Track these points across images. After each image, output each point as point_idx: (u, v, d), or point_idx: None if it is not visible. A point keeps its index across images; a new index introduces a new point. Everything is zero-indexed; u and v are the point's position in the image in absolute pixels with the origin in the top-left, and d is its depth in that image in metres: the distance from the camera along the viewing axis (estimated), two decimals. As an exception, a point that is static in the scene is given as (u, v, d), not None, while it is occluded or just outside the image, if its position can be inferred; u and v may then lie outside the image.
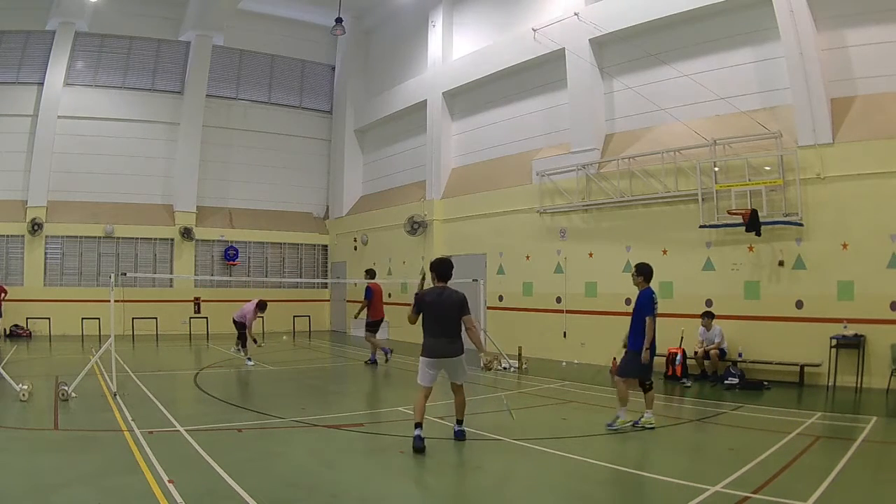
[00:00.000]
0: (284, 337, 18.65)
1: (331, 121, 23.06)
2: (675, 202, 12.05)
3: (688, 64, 12.28)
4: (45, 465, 5.53)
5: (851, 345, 9.60)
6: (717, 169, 11.37)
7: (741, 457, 5.83)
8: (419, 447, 6.01)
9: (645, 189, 12.49)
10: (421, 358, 6.42)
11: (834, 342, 9.71)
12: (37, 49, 18.64)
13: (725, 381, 10.25)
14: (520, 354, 12.32)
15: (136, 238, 19.59)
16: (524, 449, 6.46)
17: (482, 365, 6.58)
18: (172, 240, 19.95)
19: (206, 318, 18.66)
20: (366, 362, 12.96)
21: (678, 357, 11.01)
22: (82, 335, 16.62)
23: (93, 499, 4.66)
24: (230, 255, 20.60)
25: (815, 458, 6.00)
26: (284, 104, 22.54)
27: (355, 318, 13.39)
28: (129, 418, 7.26)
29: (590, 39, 13.52)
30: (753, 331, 10.78)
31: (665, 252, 12.16)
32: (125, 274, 15.19)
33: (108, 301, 9.04)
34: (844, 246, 9.96)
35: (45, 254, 18.62)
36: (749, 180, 10.92)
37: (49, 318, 17.27)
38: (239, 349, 13.17)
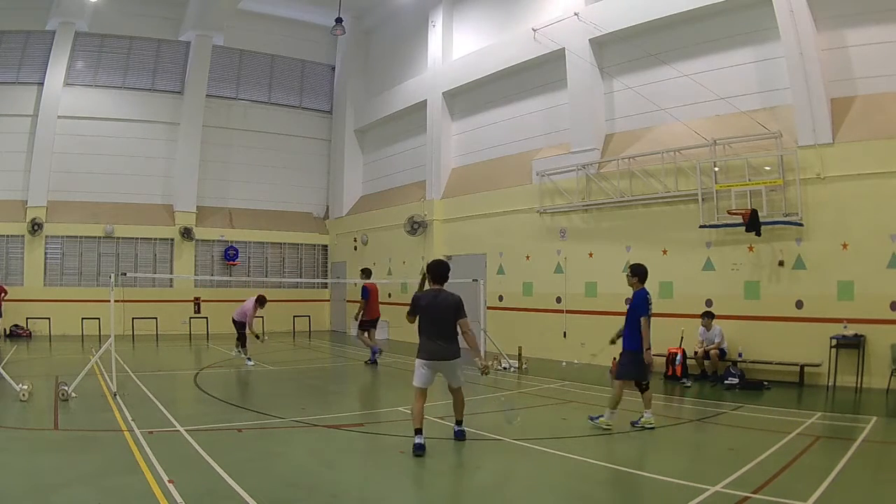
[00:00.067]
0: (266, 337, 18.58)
1: (331, 121, 23.06)
2: (675, 202, 12.05)
3: (688, 64, 12.28)
4: (45, 465, 5.53)
5: (851, 345, 9.60)
6: (717, 169, 11.37)
7: (741, 457, 5.83)
8: (420, 455, 5.94)
9: (645, 189, 12.49)
10: (416, 360, 6.38)
11: (834, 342, 9.71)
12: (37, 49, 18.63)
13: (725, 381, 10.24)
14: (520, 354, 12.33)
15: (136, 238, 19.59)
16: (524, 449, 6.46)
17: (479, 369, 6.42)
18: (172, 240, 19.95)
19: (206, 318, 18.66)
20: (366, 362, 12.96)
21: (678, 357, 11.01)
22: (82, 335, 16.62)
23: (93, 499, 4.66)
24: (230, 255, 20.60)
25: (815, 458, 6.00)
26: (284, 104, 22.54)
27: (356, 319, 13.36)
28: (129, 418, 7.26)
29: (590, 39, 13.52)
30: (753, 331, 10.78)
31: (665, 252, 12.16)
32: (125, 274, 15.21)
33: (108, 301, 9.04)
34: (844, 246, 9.96)
35: (45, 254, 18.62)
36: (749, 180, 10.92)
37: (49, 318, 17.27)
38: (239, 351, 13.16)
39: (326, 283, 21.72)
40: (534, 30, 14.64)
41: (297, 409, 8.34)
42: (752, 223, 10.42)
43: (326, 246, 22.60)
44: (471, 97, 17.27)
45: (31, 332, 17.60)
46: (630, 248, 12.60)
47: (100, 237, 19.16)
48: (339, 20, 17.12)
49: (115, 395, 8.59)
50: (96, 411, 7.81)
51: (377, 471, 5.73)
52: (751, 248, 10.98)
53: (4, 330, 17.27)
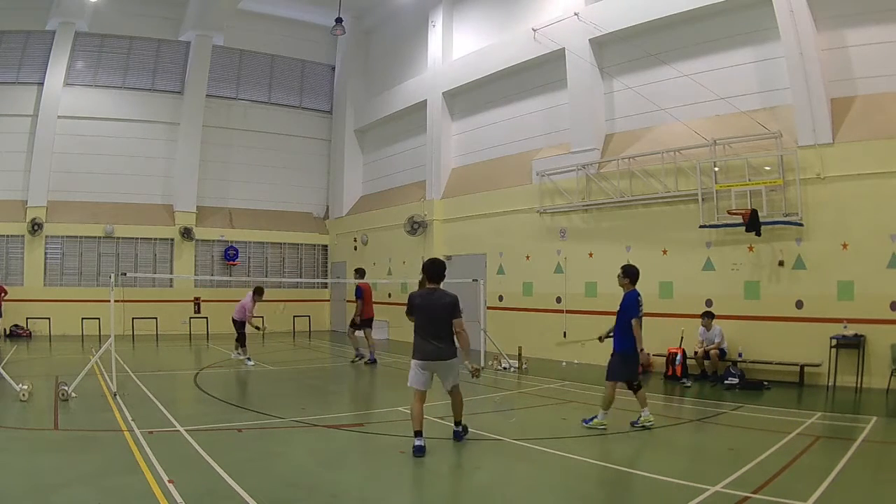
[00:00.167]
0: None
1: (331, 121, 23.06)
2: (675, 202, 12.05)
3: (688, 64, 12.28)
4: (45, 465, 5.53)
5: (851, 345, 9.60)
6: (717, 169, 11.37)
7: (741, 457, 5.83)
8: (420, 457, 5.92)
9: (645, 189, 12.49)
10: (412, 361, 6.33)
11: (834, 342, 9.71)
12: (37, 49, 18.63)
13: (725, 381, 10.24)
14: (520, 354, 12.33)
15: (136, 238, 19.59)
16: (524, 449, 6.46)
17: (469, 372, 6.30)
18: (172, 240, 19.95)
19: (206, 318, 18.66)
20: (365, 362, 12.98)
21: (678, 357, 11.01)
22: (82, 335, 16.62)
23: (93, 499, 4.66)
24: (230, 255, 20.60)
25: (815, 458, 6.00)
26: (284, 104, 22.54)
27: (355, 320, 13.37)
28: (129, 418, 7.26)
29: (590, 39, 13.52)
30: (753, 331, 10.78)
31: (665, 252, 12.16)
32: (125, 274, 15.20)
33: (108, 301, 9.04)
34: (844, 246, 9.96)
35: (45, 254, 18.62)
36: (749, 180, 10.92)
37: (49, 318, 17.27)
38: (238, 353, 13.14)
39: (326, 283, 21.72)
40: (534, 30, 14.64)
41: (297, 409, 8.34)
42: (752, 223, 10.42)
43: (326, 246, 22.60)
44: (471, 97, 17.27)
45: (31, 332, 17.59)
46: (630, 248, 12.61)
47: (100, 237, 19.16)
48: (339, 20, 17.12)
49: (115, 395, 8.59)
50: (96, 411, 7.81)
51: (377, 471, 5.73)
52: (751, 248, 10.98)
53: (4, 330, 17.27)
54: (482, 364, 12.16)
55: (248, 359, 12.97)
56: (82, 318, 16.58)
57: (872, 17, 10.27)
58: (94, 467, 5.44)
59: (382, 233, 19.35)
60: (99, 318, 16.28)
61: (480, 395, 9.44)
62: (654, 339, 11.71)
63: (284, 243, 21.92)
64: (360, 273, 14.08)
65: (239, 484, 4.95)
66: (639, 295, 7.28)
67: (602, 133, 13.73)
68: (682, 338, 11.23)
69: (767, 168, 10.87)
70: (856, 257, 9.83)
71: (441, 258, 6.89)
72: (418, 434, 6.07)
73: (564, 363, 12.95)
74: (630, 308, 7.17)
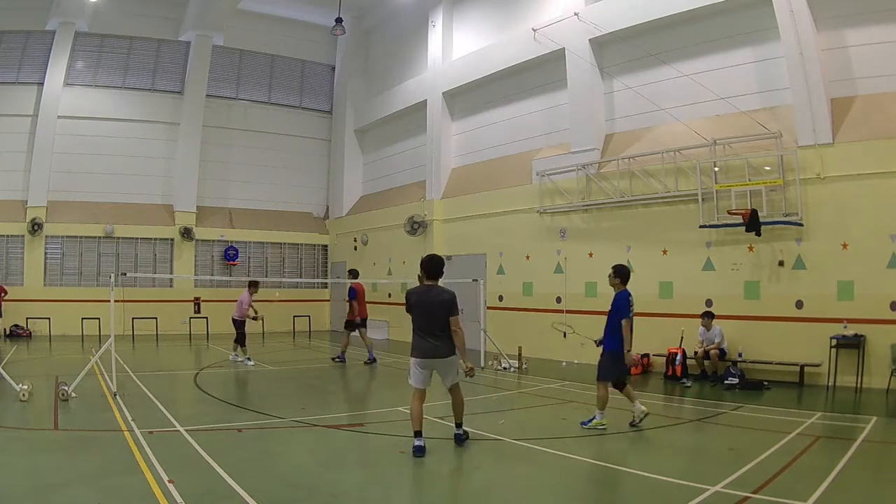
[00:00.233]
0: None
1: (331, 121, 23.06)
2: (675, 202, 12.05)
3: (688, 64, 12.28)
4: (45, 465, 5.53)
5: (851, 345, 9.60)
6: (717, 169, 11.37)
7: (741, 457, 5.83)
8: (420, 457, 5.92)
9: (645, 189, 12.49)
10: (411, 359, 6.31)
11: (834, 342, 9.71)
12: (37, 49, 18.63)
13: (725, 381, 10.24)
14: (520, 354, 12.33)
15: (136, 238, 19.59)
16: (524, 449, 6.46)
17: (464, 371, 6.21)
18: (172, 240, 19.95)
19: (206, 318, 18.66)
20: (365, 362, 12.98)
21: (678, 357, 11.01)
22: (82, 335, 16.62)
23: (93, 499, 4.66)
24: (230, 255, 20.60)
25: (815, 458, 6.00)
26: (284, 104, 22.54)
27: (351, 320, 13.42)
28: (129, 418, 7.26)
29: (590, 39, 13.52)
30: (753, 331, 10.78)
31: (665, 252, 12.16)
32: (125, 274, 15.21)
33: (108, 301, 9.04)
34: (844, 246, 9.96)
35: (45, 254, 18.62)
36: (749, 180, 10.92)
37: (49, 318, 17.27)
38: (237, 354, 13.13)
39: (326, 283, 21.72)
40: (534, 30, 14.64)
41: (297, 409, 8.34)
42: (752, 223, 10.42)
43: (326, 246, 22.60)
44: (471, 97, 17.27)
45: (31, 332, 17.59)
46: (630, 248, 12.61)
47: (100, 237, 19.16)
48: (339, 20, 17.12)
49: (115, 395, 8.59)
50: (96, 411, 7.81)
51: (377, 471, 5.73)
52: (751, 248, 10.98)
53: (4, 330, 17.27)
54: (482, 364, 12.17)
55: (249, 359, 12.97)
56: (82, 318, 16.58)
57: (872, 17, 10.27)
58: (94, 467, 5.44)
59: (382, 233, 19.35)
60: (99, 318, 16.28)
61: (480, 395, 9.44)
62: (654, 339, 11.74)
63: (284, 243, 21.92)
64: (353, 274, 14.13)
65: (239, 484, 4.95)
66: (630, 295, 7.26)
67: (602, 133, 13.73)
68: (682, 338, 11.23)
69: (767, 168, 10.87)
70: (856, 257, 9.83)
71: (437, 254, 6.79)
72: (418, 434, 6.06)
73: (564, 363, 12.95)
74: (621, 308, 7.15)
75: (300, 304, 20.51)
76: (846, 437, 6.87)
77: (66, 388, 8.42)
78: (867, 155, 9.79)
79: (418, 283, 6.71)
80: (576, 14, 13.60)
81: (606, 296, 12.70)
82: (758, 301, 10.88)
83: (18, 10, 18.06)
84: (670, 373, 11.03)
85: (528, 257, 14.77)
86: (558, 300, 13.95)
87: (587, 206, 13.46)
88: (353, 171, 22.07)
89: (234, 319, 13.14)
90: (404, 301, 6.49)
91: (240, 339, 13.10)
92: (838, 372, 9.69)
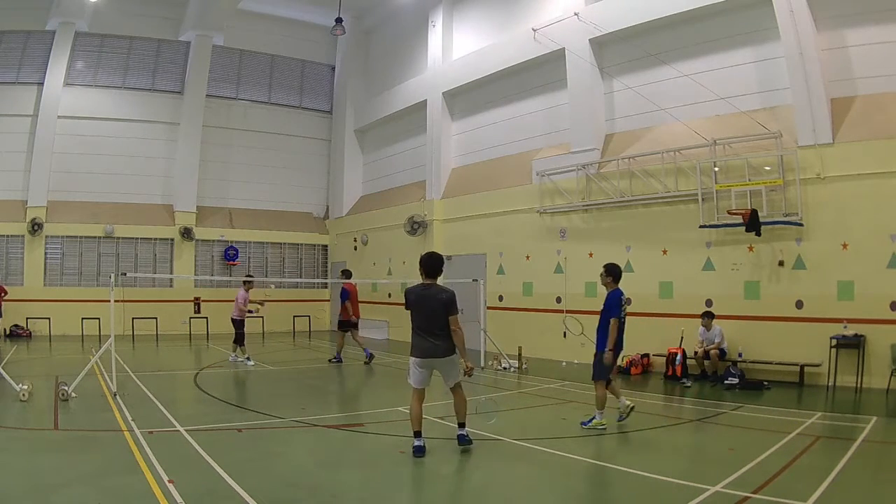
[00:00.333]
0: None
1: (331, 121, 23.06)
2: (675, 202, 12.05)
3: (688, 64, 12.29)
4: (45, 465, 5.53)
5: (851, 345, 9.60)
6: (717, 169, 11.37)
7: (741, 457, 5.83)
8: (420, 457, 5.91)
9: (645, 189, 12.49)
10: (410, 358, 6.28)
11: (834, 342, 9.71)
12: (37, 49, 18.63)
13: (725, 381, 10.24)
14: (520, 354, 12.33)
15: (136, 238, 19.59)
16: (524, 449, 6.46)
17: (463, 370, 6.18)
18: (172, 240, 19.95)
19: (206, 318, 18.66)
20: (364, 362, 12.98)
21: (678, 357, 11.01)
22: (82, 335, 16.62)
23: (93, 499, 4.66)
24: (230, 255, 20.60)
25: (815, 458, 6.00)
26: (284, 104, 22.54)
27: (347, 321, 13.47)
28: (129, 418, 7.26)
29: (590, 39, 13.52)
30: (753, 331, 10.78)
31: (665, 252, 12.17)
32: (125, 274, 15.19)
33: (108, 301, 9.04)
34: (844, 246, 9.96)
35: (45, 254, 18.62)
36: (749, 180, 10.92)
37: (49, 318, 17.28)
38: (237, 355, 13.12)
39: (326, 283, 21.72)
40: (534, 30, 14.64)
41: (297, 409, 8.34)
42: (752, 223, 10.42)
43: (326, 246, 22.61)
44: (471, 97, 17.27)
45: (31, 332, 17.59)
46: (630, 248, 12.61)
47: (100, 237, 19.16)
48: (339, 20, 17.13)
49: (115, 395, 8.59)
50: (96, 411, 7.81)
51: (377, 471, 5.72)
52: (751, 248, 10.98)
53: (4, 330, 17.27)
54: (482, 364, 12.17)
55: (248, 358, 12.97)
56: (82, 318, 16.58)
57: (872, 17, 10.27)
58: (94, 467, 5.44)
59: (382, 233, 19.35)
60: (99, 318, 16.28)
61: (480, 395, 9.43)
62: (654, 339, 11.76)
63: (284, 243, 21.93)
64: (346, 274, 14.17)
65: (239, 484, 4.95)
66: (622, 294, 7.25)
67: (602, 133, 13.73)
68: (682, 338, 11.23)
69: (767, 168, 10.87)
70: (856, 257, 9.83)
71: (436, 252, 6.74)
72: (418, 434, 6.06)
73: (564, 363, 12.95)
74: (612, 308, 7.14)
75: (300, 304, 20.51)
76: (846, 437, 6.87)
77: (66, 388, 8.42)
78: (867, 155, 9.79)
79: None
80: (576, 14, 13.60)
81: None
82: (758, 301, 10.88)
83: (18, 10, 18.06)
84: (670, 373, 11.03)
85: (528, 257, 14.77)
86: (558, 300, 13.95)
87: (587, 206, 13.46)
88: (353, 171, 22.08)
89: (233, 319, 13.14)
90: (404, 299, 6.45)
91: (239, 339, 13.10)
92: (838, 372, 9.69)
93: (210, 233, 20.48)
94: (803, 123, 10.47)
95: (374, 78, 21.39)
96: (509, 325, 14.65)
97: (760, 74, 11.50)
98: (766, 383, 10.07)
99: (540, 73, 15.20)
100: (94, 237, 19.13)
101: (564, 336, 13.27)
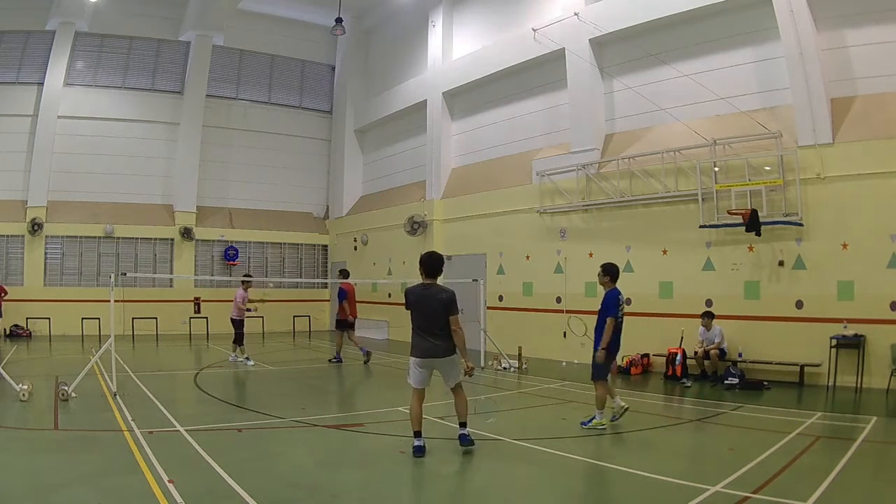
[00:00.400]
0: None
1: (331, 121, 23.07)
2: (675, 202, 12.05)
3: (688, 64, 12.28)
4: (45, 465, 5.53)
5: (851, 345, 9.60)
6: (717, 169, 11.37)
7: (741, 457, 5.83)
8: (420, 457, 5.91)
9: (645, 189, 12.49)
10: (410, 358, 6.26)
11: (834, 342, 9.71)
12: (37, 49, 18.63)
13: (725, 381, 10.24)
14: (520, 354, 12.33)
15: (136, 238, 19.59)
16: (524, 449, 6.46)
17: (464, 370, 6.17)
18: (172, 240, 19.95)
19: (206, 318, 18.66)
20: (364, 362, 12.98)
21: (678, 357, 11.01)
22: (82, 335, 16.62)
23: (93, 499, 4.66)
24: (230, 255, 20.60)
25: (815, 458, 6.00)
26: (284, 104, 22.55)
27: (343, 320, 13.49)
28: (129, 418, 7.26)
29: (590, 39, 13.52)
30: (753, 331, 10.78)
31: (665, 252, 12.16)
32: (125, 274, 15.19)
33: (108, 301, 9.04)
34: (844, 246, 9.96)
35: (45, 254, 18.62)
36: (749, 180, 10.92)
37: (49, 318, 17.28)
38: (237, 356, 13.11)
39: (326, 283, 21.72)
40: (534, 30, 14.64)
41: (297, 409, 8.34)
42: (752, 223, 10.42)
43: (326, 246, 22.61)
44: (471, 97, 17.27)
45: (31, 332, 17.59)
46: (630, 248, 12.61)
47: (100, 237, 19.16)
48: (339, 20, 17.13)
49: (115, 395, 8.59)
50: (96, 411, 7.81)
51: (377, 471, 5.72)
52: (751, 248, 10.98)
53: (4, 330, 17.27)
54: (482, 364, 12.17)
55: (248, 358, 12.97)
56: (82, 318, 16.58)
57: (872, 17, 10.27)
58: (94, 467, 5.44)
59: (382, 233, 19.35)
60: (99, 318, 16.28)
61: (481, 395, 9.44)
62: (654, 339, 11.75)
63: (284, 243, 21.93)
64: (343, 274, 14.18)
65: (239, 484, 4.95)
66: (619, 294, 7.23)
67: (602, 133, 13.73)
68: (682, 338, 11.23)
69: (767, 168, 10.87)
70: (856, 257, 9.82)
71: (436, 252, 6.71)
72: (418, 434, 6.05)
73: (564, 363, 12.95)
74: (610, 307, 7.13)
75: (300, 304, 20.51)
76: (846, 437, 6.87)
77: (66, 388, 8.42)
78: (867, 155, 9.79)
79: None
80: (576, 14, 13.60)
81: (606, 296, 12.77)
82: (758, 301, 10.88)
83: (18, 10, 18.06)
84: (670, 373, 11.03)
85: (528, 257, 14.77)
86: (558, 300, 13.95)
87: (587, 206, 13.46)
88: (353, 171, 22.08)
89: (232, 319, 13.14)
90: (405, 299, 6.43)
91: (238, 339, 13.10)
92: (838, 372, 9.69)
93: (210, 233, 20.49)
94: (803, 123, 10.47)
95: (374, 78, 21.39)
96: (509, 325, 14.65)
97: (760, 74, 11.50)
98: (766, 383, 10.07)
99: (540, 73, 15.20)
100: (94, 237, 19.13)
101: (564, 336, 13.27)
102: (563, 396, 9.54)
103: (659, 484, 5.23)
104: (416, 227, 17.58)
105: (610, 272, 7.34)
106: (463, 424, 6.29)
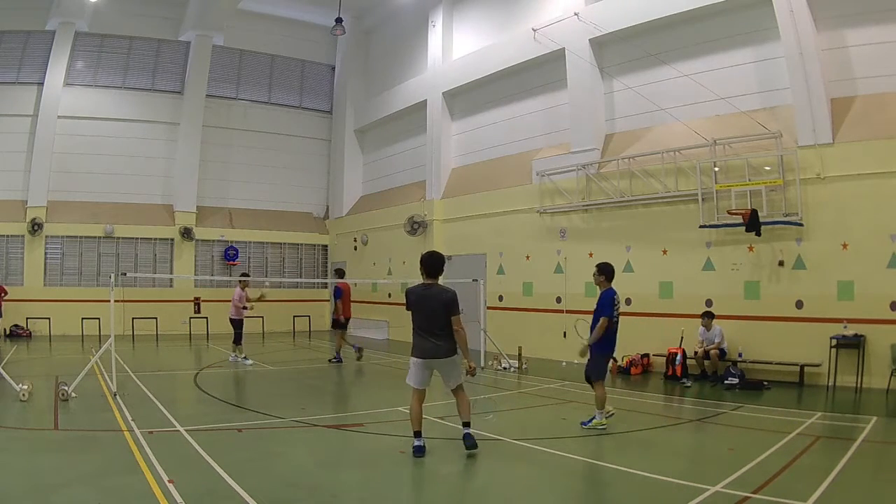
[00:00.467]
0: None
1: (331, 121, 23.07)
2: (675, 202, 12.05)
3: (688, 64, 12.28)
4: (45, 465, 5.53)
5: (851, 345, 9.60)
6: (717, 169, 11.37)
7: (741, 457, 5.83)
8: (420, 457, 5.91)
9: (645, 189, 12.49)
10: (411, 358, 6.24)
11: (834, 342, 9.70)
12: (37, 49, 18.63)
13: (725, 381, 10.24)
14: (520, 354, 12.33)
15: (136, 238, 19.60)
16: (524, 449, 6.46)
17: (466, 370, 6.18)
18: (172, 240, 19.95)
19: (206, 318, 18.66)
20: (357, 359, 13.01)
21: (678, 357, 11.01)
22: (82, 335, 16.62)
23: (93, 499, 4.66)
24: (230, 255, 20.60)
25: (815, 458, 6.00)
26: (284, 104, 22.55)
27: (340, 319, 13.49)
28: (129, 418, 7.27)
29: (590, 39, 13.52)
30: (753, 331, 10.78)
31: (665, 252, 12.16)
32: (125, 274, 15.19)
33: (108, 301, 9.04)
34: (844, 246, 9.96)
35: (45, 254, 18.62)
36: (749, 180, 10.92)
37: (49, 318, 17.28)
38: (237, 356, 13.11)
39: (326, 283, 21.71)
40: (534, 30, 14.64)
41: (297, 409, 8.34)
42: (752, 223, 10.42)
43: (326, 246, 22.61)
44: (471, 97, 17.27)
45: (31, 332, 17.59)
46: (630, 248, 12.61)
47: (100, 237, 19.16)
48: (339, 20, 17.13)
49: (115, 395, 8.59)
50: (96, 411, 7.81)
51: (377, 471, 5.72)
52: (751, 248, 10.98)
53: (4, 330, 17.27)
54: (482, 364, 12.17)
55: (246, 358, 12.96)
56: (82, 318, 16.59)
57: (872, 17, 10.27)
58: (94, 467, 5.44)
59: (382, 233, 19.35)
60: (99, 318, 16.28)
61: (481, 395, 9.44)
62: (654, 339, 11.75)
63: (284, 243, 21.93)
64: (339, 273, 14.20)
65: (239, 484, 4.95)
66: (615, 294, 7.23)
67: (602, 133, 13.73)
68: (682, 338, 11.23)
69: (767, 168, 10.87)
70: (856, 257, 9.82)
71: (437, 252, 6.68)
72: (418, 434, 6.05)
73: (564, 363, 12.95)
74: (605, 307, 7.11)
75: (300, 304, 20.50)
76: (846, 437, 6.87)
77: (66, 388, 8.42)
78: (867, 155, 9.79)
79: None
80: (576, 14, 13.60)
81: (606, 296, 12.76)
82: (758, 301, 10.88)
83: (18, 10, 18.06)
84: (670, 373, 11.03)
85: (528, 257, 14.77)
86: (558, 300, 13.95)
87: (587, 206, 13.46)
88: (353, 171, 22.08)
89: (231, 319, 13.14)
90: (405, 299, 6.41)
91: (237, 339, 13.11)
92: (838, 372, 9.69)
93: (210, 233, 20.49)
94: (803, 123, 10.47)
95: (374, 78, 21.39)
96: (509, 325, 14.65)
97: (760, 74, 11.50)
98: (766, 383, 10.07)
99: (540, 73, 15.20)
100: (94, 237, 19.13)
101: (564, 336, 13.27)
102: (563, 396, 9.54)
103: (659, 484, 5.23)
104: (416, 227, 17.58)
105: (605, 272, 7.32)
106: (466, 424, 6.22)
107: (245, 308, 13.23)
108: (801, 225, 10.34)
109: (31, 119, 18.46)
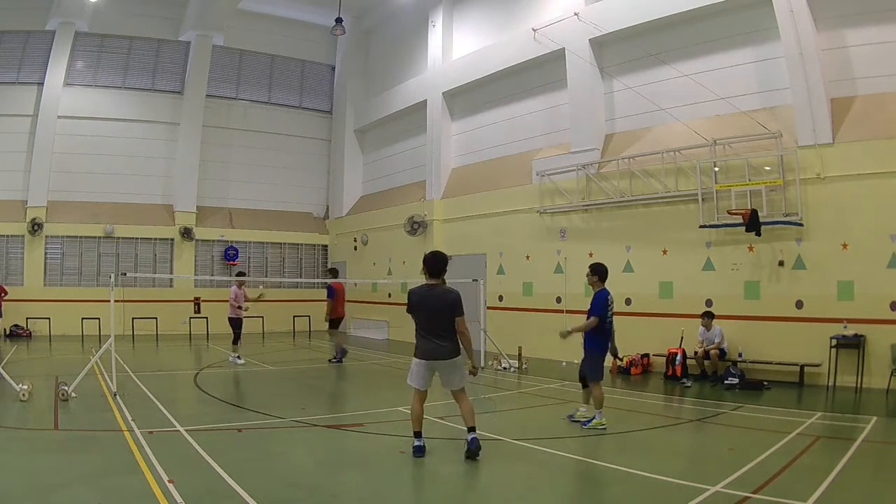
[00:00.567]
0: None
1: (331, 121, 23.07)
2: (675, 202, 12.05)
3: (688, 64, 12.29)
4: (45, 465, 5.53)
5: (851, 345, 9.60)
6: (717, 169, 11.37)
7: (741, 457, 5.83)
8: (420, 457, 5.90)
9: (645, 189, 12.49)
10: (413, 359, 6.19)
11: (834, 342, 9.71)
12: (37, 49, 18.63)
13: (725, 381, 10.24)
14: (520, 354, 12.33)
15: (136, 238, 19.59)
16: (524, 449, 6.46)
17: (469, 371, 6.17)
18: (172, 240, 19.95)
19: (206, 318, 18.66)
20: (336, 360, 13.02)
21: (678, 357, 11.01)
22: (82, 335, 16.62)
23: (93, 499, 4.66)
24: (230, 255, 20.60)
25: (815, 458, 6.00)
26: (284, 104, 22.55)
27: (325, 320, 13.52)
28: (129, 418, 7.26)
29: (590, 39, 13.53)
30: (753, 331, 10.78)
31: (665, 252, 12.16)
32: (125, 274, 15.19)
33: (108, 301, 9.04)
34: (844, 246, 9.96)
35: (45, 254, 18.62)
36: (749, 180, 10.92)
37: (49, 318, 17.28)
38: (237, 356, 13.09)
39: (326, 283, 21.66)
40: (534, 30, 14.64)
41: (297, 409, 8.34)
42: (752, 223, 10.42)
43: (326, 246, 22.60)
44: (471, 97, 17.27)
45: (31, 332, 17.59)
46: (630, 248, 12.61)
47: (100, 237, 19.16)
48: (339, 20, 17.13)
49: (115, 395, 8.59)
50: (96, 411, 7.81)
51: (377, 471, 5.72)
52: (751, 248, 10.98)
53: (4, 330, 17.27)
54: (482, 364, 12.17)
55: (238, 357, 12.93)
56: (82, 318, 16.58)
57: (872, 17, 10.28)
58: (94, 467, 5.44)
59: (382, 233, 19.35)
60: (99, 318, 16.28)
61: (480, 395, 9.44)
62: (654, 339, 11.76)
63: (284, 243, 21.93)
64: (332, 273, 14.21)
65: (239, 484, 4.95)
66: (608, 294, 7.24)
67: (602, 133, 13.73)
68: (682, 338, 11.23)
69: (767, 168, 10.87)
70: (856, 257, 9.83)
71: (441, 251, 6.65)
72: (418, 434, 6.04)
73: (564, 363, 12.93)
74: (597, 307, 7.15)
75: (300, 304, 20.48)
76: (846, 437, 6.87)
77: (66, 388, 8.42)
78: (867, 155, 9.79)
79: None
80: (576, 14, 13.60)
81: (606, 296, 12.75)
82: (758, 301, 10.88)
83: (18, 10, 18.06)
84: (670, 373, 11.03)
85: (528, 257, 14.77)
86: (558, 300, 13.95)
87: (587, 206, 13.46)
88: (353, 171, 22.08)
89: (229, 319, 13.13)
90: (407, 300, 6.33)
91: (235, 339, 13.11)
92: (838, 372, 9.69)
93: (210, 233, 20.48)
94: (803, 123, 10.47)
95: (374, 78, 21.39)
96: (509, 325, 14.65)
97: (760, 74, 11.50)
98: (766, 383, 10.07)
99: (540, 73, 15.20)
100: (94, 237, 19.13)
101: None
102: (563, 396, 9.54)
103: (659, 484, 5.23)
104: (416, 227, 17.58)
105: (598, 272, 7.34)
106: (472, 429, 6.03)
107: (241, 307, 13.20)
108: (801, 225, 10.34)
109: (31, 119, 18.46)
